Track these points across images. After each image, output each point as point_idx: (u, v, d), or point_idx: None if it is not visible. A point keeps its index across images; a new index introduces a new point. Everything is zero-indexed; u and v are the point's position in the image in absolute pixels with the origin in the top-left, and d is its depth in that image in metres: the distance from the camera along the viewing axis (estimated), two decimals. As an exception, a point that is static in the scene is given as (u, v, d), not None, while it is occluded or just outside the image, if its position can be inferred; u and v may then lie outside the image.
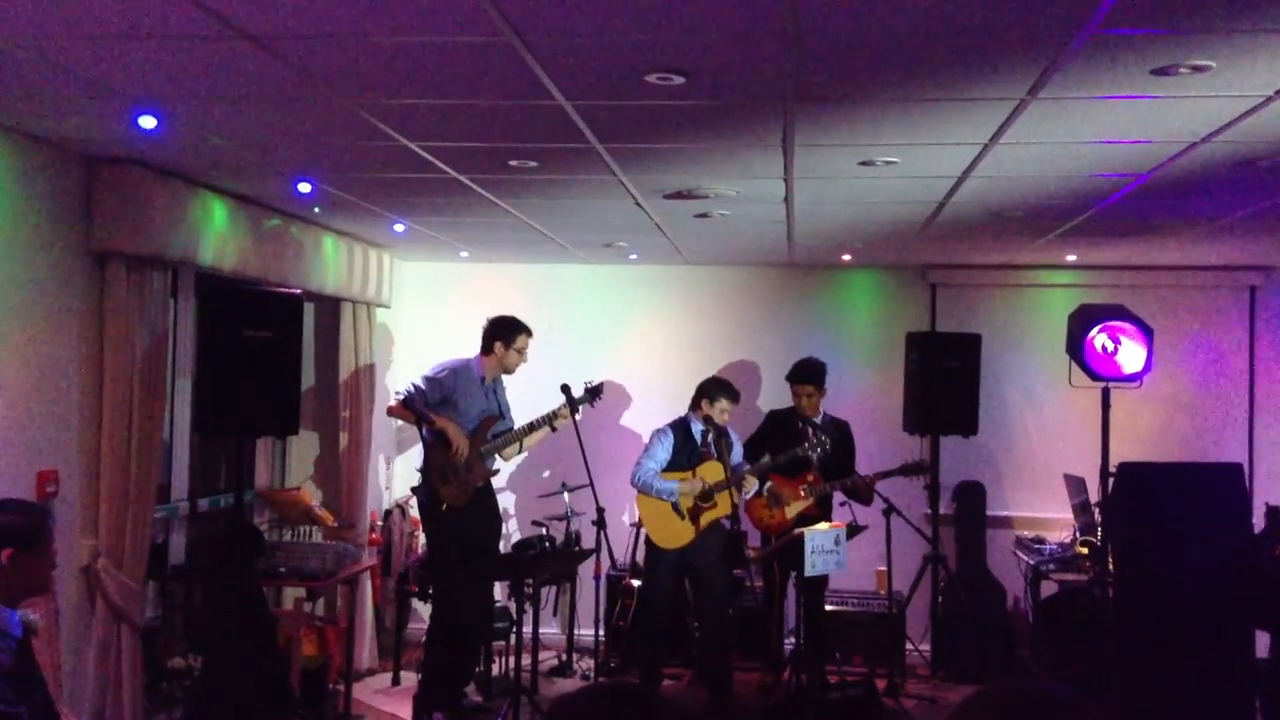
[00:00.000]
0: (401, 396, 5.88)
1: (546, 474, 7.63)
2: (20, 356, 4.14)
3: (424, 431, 5.76)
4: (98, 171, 4.48)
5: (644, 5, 2.64)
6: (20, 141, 4.10)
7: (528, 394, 6.33)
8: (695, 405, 6.31)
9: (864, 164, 4.33)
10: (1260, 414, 7.49)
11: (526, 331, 6.00)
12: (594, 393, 6.01)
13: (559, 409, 5.82)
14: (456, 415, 5.82)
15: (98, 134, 4.11)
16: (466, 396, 5.87)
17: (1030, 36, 2.82)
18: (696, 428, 6.28)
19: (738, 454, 6.31)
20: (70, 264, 4.41)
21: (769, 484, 6.40)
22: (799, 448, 6.18)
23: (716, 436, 6.13)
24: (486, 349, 5.99)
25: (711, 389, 6.26)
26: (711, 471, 6.11)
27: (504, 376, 6.08)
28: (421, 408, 5.76)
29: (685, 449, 6.22)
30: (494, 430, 5.93)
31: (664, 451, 6.23)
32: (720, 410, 6.20)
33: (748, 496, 6.16)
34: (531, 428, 5.91)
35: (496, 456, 5.96)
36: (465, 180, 4.82)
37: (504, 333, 5.96)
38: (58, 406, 4.36)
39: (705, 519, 6.11)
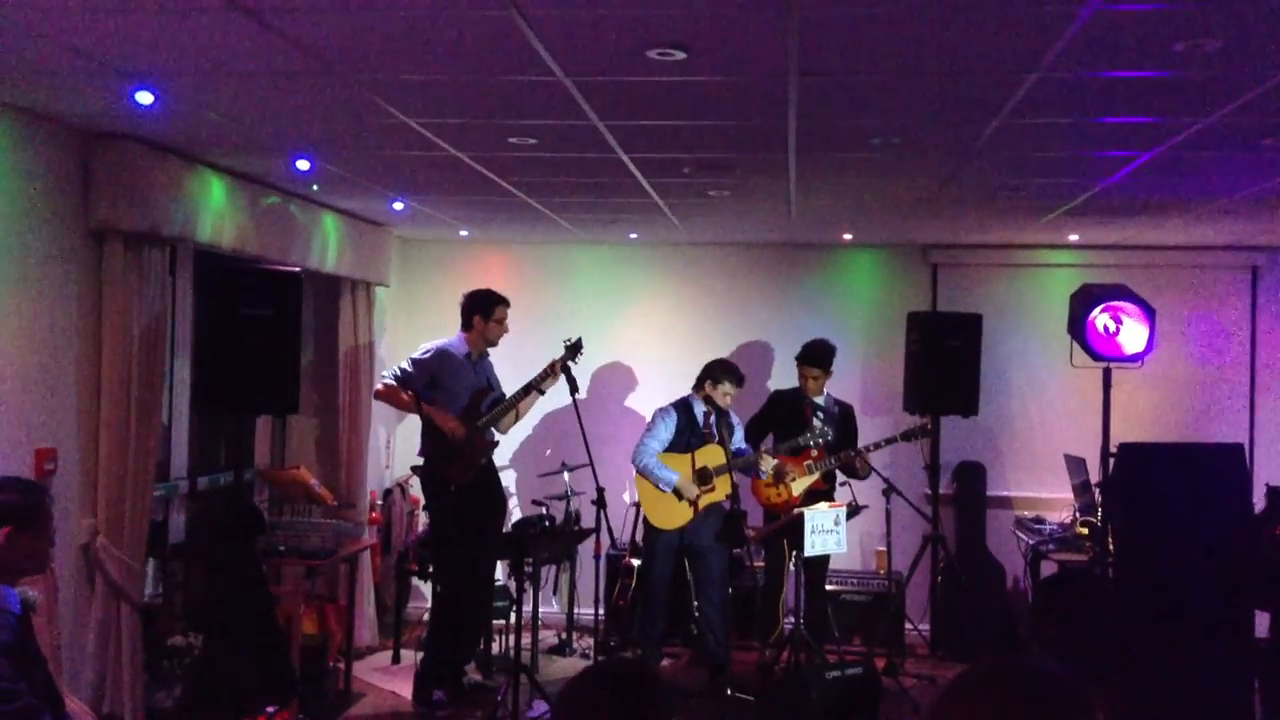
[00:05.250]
0: (387, 380, 5.93)
1: (547, 453, 7.63)
2: (18, 334, 4.12)
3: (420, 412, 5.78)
4: (95, 147, 4.45)
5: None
6: (16, 117, 4.07)
7: (529, 371, 6.32)
8: (699, 385, 6.28)
9: (866, 140, 4.31)
10: (1261, 394, 7.49)
11: (503, 302, 6.02)
12: (574, 349, 5.90)
13: (543, 372, 5.83)
14: (446, 396, 5.84)
15: (95, 109, 4.08)
16: (454, 376, 5.89)
17: (1035, 11, 2.80)
18: (699, 409, 6.26)
19: (738, 438, 6.31)
20: (68, 241, 4.38)
21: (774, 462, 6.40)
22: (801, 437, 6.21)
23: (718, 419, 6.12)
24: (466, 325, 6.01)
25: (717, 371, 6.21)
26: (712, 455, 6.10)
27: (490, 350, 6.10)
28: (399, 397, 5.85)
29: (688, 429, 6.21)
30: (486, 402, 5.93)
31: (666, 431, 6.21)
32: (723, 394, 6.16)
33: (764, 476, 6.23)
34: (521, 394, 5.91)
35: (494, 429, 5.97)
36: (465, 158, 4.79)
37: (481, 306, 5.99)
38: (56, 385, 4.34)
39: (703, 502, 6.10)
